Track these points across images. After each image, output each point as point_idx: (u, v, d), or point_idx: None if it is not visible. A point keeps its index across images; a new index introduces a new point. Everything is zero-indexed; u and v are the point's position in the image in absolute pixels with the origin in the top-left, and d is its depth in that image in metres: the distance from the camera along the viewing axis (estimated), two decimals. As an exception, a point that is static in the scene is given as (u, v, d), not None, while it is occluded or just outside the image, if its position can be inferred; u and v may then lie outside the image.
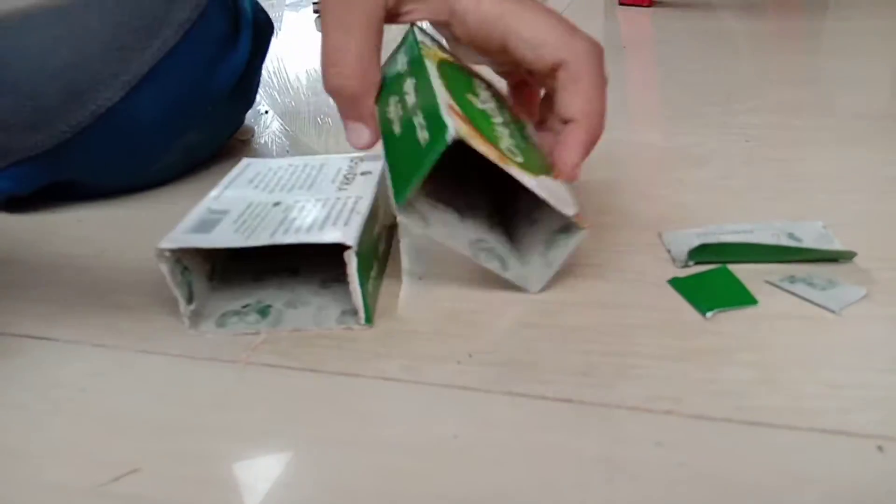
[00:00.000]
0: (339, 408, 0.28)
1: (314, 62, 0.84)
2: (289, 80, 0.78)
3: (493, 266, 0.34)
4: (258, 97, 0.70)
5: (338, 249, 0.31)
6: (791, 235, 0.37)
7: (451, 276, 0.37)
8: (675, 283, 0.34)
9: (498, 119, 0.34)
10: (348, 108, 0.34)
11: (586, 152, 0.33)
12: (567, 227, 0.33)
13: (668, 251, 0.37)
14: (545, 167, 0.33)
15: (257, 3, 0.56)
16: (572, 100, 0.33)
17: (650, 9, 0.99)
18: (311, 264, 0.37)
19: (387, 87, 0.35)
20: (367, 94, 0.33)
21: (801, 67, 0.71)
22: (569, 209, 0.32)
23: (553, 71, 0.33)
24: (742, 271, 0.35)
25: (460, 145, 0.29)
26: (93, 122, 0.44)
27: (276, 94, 0.74)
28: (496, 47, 0.34)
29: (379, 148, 0.34)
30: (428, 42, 0.36)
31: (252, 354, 0.32)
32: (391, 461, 0.26)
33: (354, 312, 0.33)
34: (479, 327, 0.33)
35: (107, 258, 0.41)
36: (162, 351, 0.32)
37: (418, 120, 0.31)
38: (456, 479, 0.25)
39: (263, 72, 0.60)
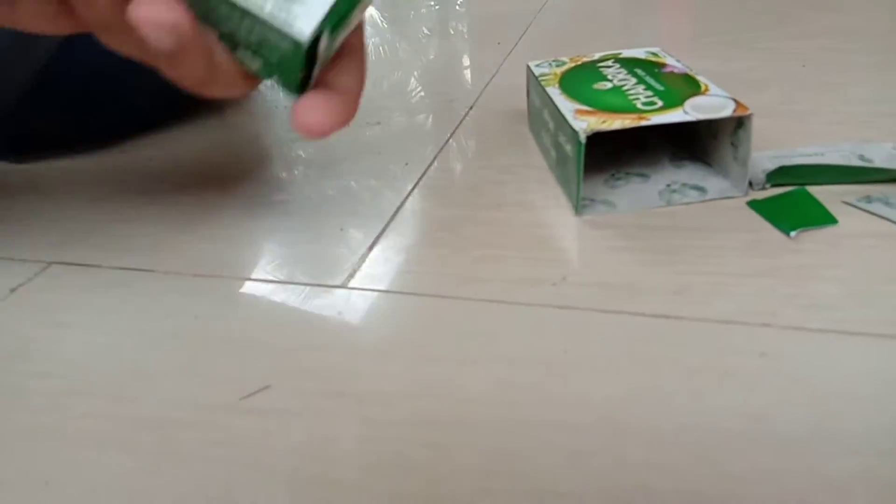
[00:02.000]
0: (449, 327, 0.30)
1: None
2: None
3: (692, 197, 0.36)
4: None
5: None
6: (861, 157, 0.38)
7: (529, 204, 0.38)
8: (754, 205, 0.35)
9: (630, 82, 0.39)
10: None
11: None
12: (738, 121, 0.35)
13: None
14: (691, 87, 0.37)
15: None
16: None
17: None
18: None
19: (534, 123, 0.44)
20: None
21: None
22: (725, 111, 0.34)
23: None
24: (818, 192, 0.36)
25: (602, 134, 0.34)
26: (35, 76, 0.43)
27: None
28: None
29: None
30: (546, 69, 0.43)
31: (351, 280, 0.33)
32: (508, 374, 0.27)
33: None
34: (568, 252, 0.34)
35: (166, 195, 0.42)
36: (262, 277, 0.34)
37: (561, 138, 0.37)
38: (574, 388, 0.26)
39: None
